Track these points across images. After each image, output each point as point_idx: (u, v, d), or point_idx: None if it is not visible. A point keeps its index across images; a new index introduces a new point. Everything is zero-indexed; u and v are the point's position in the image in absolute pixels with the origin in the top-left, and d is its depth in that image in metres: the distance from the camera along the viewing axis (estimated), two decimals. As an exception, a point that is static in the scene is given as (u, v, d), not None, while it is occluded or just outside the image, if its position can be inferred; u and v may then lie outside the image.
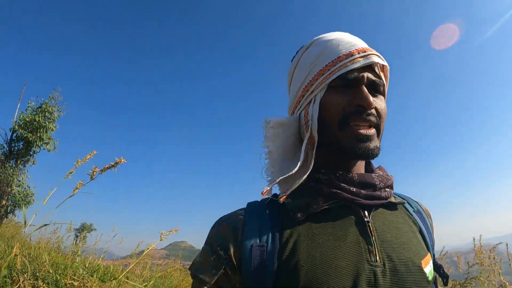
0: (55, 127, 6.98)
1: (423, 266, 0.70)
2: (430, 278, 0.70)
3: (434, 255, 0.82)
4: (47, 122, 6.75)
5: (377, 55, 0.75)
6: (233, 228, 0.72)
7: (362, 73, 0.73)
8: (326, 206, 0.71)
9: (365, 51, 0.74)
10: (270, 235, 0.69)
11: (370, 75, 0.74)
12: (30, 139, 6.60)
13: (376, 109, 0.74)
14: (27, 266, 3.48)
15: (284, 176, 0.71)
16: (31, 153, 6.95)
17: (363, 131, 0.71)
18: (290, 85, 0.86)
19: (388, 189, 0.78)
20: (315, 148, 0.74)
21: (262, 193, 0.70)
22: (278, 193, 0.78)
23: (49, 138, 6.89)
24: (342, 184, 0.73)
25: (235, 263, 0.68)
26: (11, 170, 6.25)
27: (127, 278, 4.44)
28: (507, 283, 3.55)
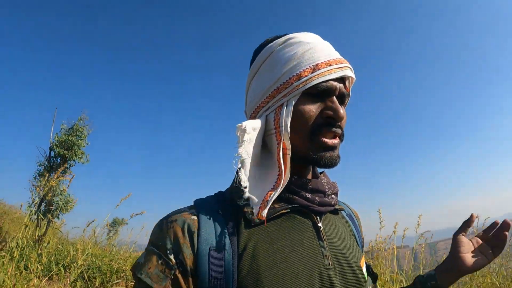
0: (86, 143, 8.25)
1: (361, 267, 0.75)
2: (366, 277, 0.76)
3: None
4: (79, 140, 8.02)
5: (350, 68, 0.76)
6: (187, 231, 0.66)
7: (336, 84, 0.72)
8: (283, 211, 0.71)
9: (341, 63, 0.73)
10: (227, 239, 0.66)
11: (342, 87, 0.74)
12: (66, 155, 7.90)
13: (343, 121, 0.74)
14: (75, 257, 4.59)
15: (271, 193, 0.67)
16: (68, 166, 8.28)
17: (330, 141, 0.71)
18: (254, 78, 0.80)
19: (334, 196, 0.80)
20: (289, 157, 0.70)
21: (258, 216, 0.65)
22: (228, 188, 0.79)
23: (82, 153, 8.16)
24: (298, 190, 0.73)
25: (188, 269, 0.63)
26: (56, 183, 7.62)
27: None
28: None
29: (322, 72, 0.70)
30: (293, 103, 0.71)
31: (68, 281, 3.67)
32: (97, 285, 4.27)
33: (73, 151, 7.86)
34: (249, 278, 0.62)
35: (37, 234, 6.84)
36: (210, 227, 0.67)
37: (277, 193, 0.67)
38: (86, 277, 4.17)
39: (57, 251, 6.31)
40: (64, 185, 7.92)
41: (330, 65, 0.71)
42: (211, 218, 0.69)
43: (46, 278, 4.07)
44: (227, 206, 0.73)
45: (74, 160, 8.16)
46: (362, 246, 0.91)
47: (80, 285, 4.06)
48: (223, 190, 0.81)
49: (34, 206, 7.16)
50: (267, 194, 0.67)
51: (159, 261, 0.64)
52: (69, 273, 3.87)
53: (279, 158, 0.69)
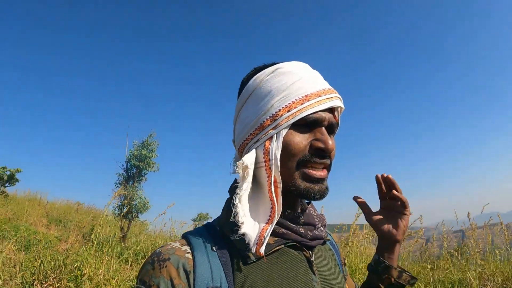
0: (156, 155, 9.83)
1: None
2: None
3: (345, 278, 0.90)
4: (150, 153, 9.65)
5: (339, 98, 0.75)
6: (182, 271, 0.63)
7: (325, 115, 0.72)
8: (278, 247, 0.70)
9: (331, 93, 0.73)
10: (224, 277, 0.64)
11: (331, 117, 0.73)
12: (140, 166, 9.56)
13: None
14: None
15: (267, 228, 0.67)
16: (143, 174, 9.93)
17: (318, 174, 0.71)
18: (242, 109, 0.78)
19: (323, 228, 0.79)
20: (280, 190, 0.70)
21: (256, 253, 0.65)
22: (216, 219, 0.78)
23: (153, 164, 9.75)
24: (292, 225, 0.72)
25: None
26: (131, 189, 9.28)
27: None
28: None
29: (312, 104, 0.70)
30: (283, 135, 0.70)
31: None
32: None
33: (145, 163, 9.46)
34: None
35: (121, 231, 8.52)
36: (206, 266, 0.64)
37: (271, 228, 0.67)
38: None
39: (139, 242, 7.86)
40: (140, 190, 9.57)
41: (320, 96, 0.71)
42: (206, 256, 0.66)
43: (130, 263, 5.41)
44: (219, 241, 0.70)
45: (147, 170, 9.74)
46: (343, 271, 0.92)
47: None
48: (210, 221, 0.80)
49: (118, 209, 8.88)
50: (262, 229, 0.66)
51: None
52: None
53: (271, 191, 0.68)
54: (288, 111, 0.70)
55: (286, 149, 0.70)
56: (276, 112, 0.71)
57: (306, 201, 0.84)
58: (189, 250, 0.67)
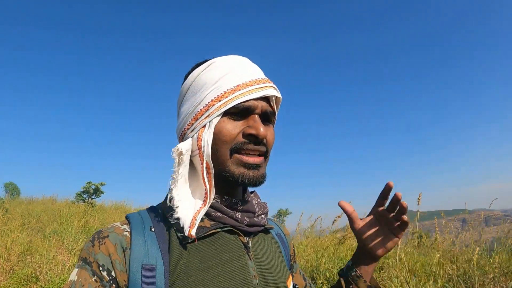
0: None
1: (288, 286, 0.80)
2: None
3: (293, 275, 0.92)
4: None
5: (273, 87, 0.78)
6: (119, 247, 0.67)
7: (257, 103, 0.75)
8: (214, 231, 0.73)
9: (263, 83, 0.76)
10: (159, 255, 0.67)
11: (264, 105, 0.76)
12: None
13: (266, 138, 0.76)
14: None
15: (199, 212, 0.71)
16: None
17: (251, 160, 0.74)
18: (182, 102, 0.83)
19: (264, 216, 0.83)
20: (212, 175, 0.74)
21: (188, 235, 0.68)
22: (160, 203, 0.81)
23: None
24: (228, 210, 0.76)
25: (122, 286, 0.65)
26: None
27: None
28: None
29: (243, 93, 0.73)
30: (215, 124, 0.74)
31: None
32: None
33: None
34: None
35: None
36: (142, 244, 0.68)
37: (203, 212, 0.71)
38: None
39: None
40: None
41: (251, 86, 0.74)
42: (144, 235, 0.70)
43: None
44: (159, 222, 0.74)
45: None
46: (291, 265, 0.94)
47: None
48: (155, 205, 0.83)
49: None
50: (195, 213, 0.71)
51: (93, 278, 0.64)
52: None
53: (203, 177, 0.73)
54: (220, 101, 0.73)
55: (219, 136, 0.74)
56: (209, 102, 0.75)
57: (250, 189, 0.87)
58: (128, 229, 0.71)
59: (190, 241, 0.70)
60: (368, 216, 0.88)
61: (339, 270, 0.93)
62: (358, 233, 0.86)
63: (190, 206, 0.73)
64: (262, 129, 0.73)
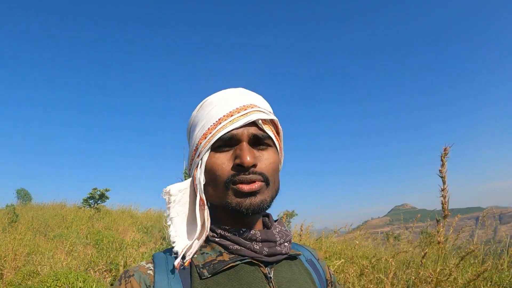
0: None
1: None
2: None
3: None
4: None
5: (260, 111, 0.77)
6: (143, 285, 0.70)
7: (242, 130, 0.74)
8: (233, 264, 0.73)
9: (245, 109, 0.75)
10: None
11: (252, 131, 0.75)
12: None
13: (260, 163, 0.75)
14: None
15: (188, 246, 0.73)
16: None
17: (247, 187, 0.72)
18: (188, 144, 0.87)
19: (287, 244, 0.80)
20: (206, 209, 0.76)
21: (175, 266, 0.71)
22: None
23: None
24: (246, 242, 0.75)
25: None
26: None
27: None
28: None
29: (224, 125, 0.74)
30: (205, 160, 0.75)
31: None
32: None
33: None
34: None
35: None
36: (164, 281, 0.70)
37: (195, 245, 0.74)
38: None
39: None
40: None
41: (232, 115, 0.74)
42: (167, 273, 0.72)
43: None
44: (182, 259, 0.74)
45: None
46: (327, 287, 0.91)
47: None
48: None
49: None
50: (185, 246, 0.73)
51: None
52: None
53: (196, 212, 0.75)
54: (205, 138, 0.76)
55: (211, 171, 0.75)
56: (198, 142, 0.78)
57: (275, 219, 0.88)
58: (152, 268, 0.74)
59: (209, 275, 0.71)
60: None
61: None
62: None
63: (188, 240, 0.76)
64: (248, 157, 0.71)
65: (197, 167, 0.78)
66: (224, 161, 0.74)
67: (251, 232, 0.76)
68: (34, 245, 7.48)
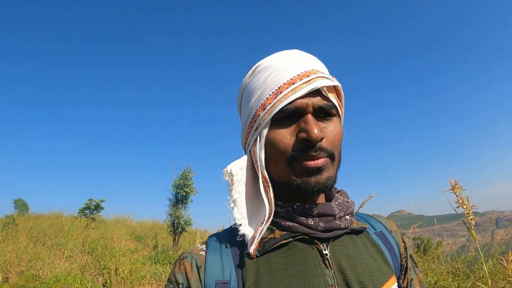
0: (192, 183, 12.32)
1: None
2: None
3: (399, 276, 0.78)
4: (189, 181, 12.29)
5: (323, 77, 0.69)
6: (195, 266, 0.70)
7: (306, 101, 0.67)
8: (284, 241, 0.69)
9: (308, 75, 0.68)
10: (233, 270, 0.68)
11: (316, 101, 0.68)
12: (187, 191, 11.98)
13: (327, 137, 0.69)
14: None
15: (260, 230, 0.68)
16: (187, 198, 12.61)
17: (312, 163, 0.66)
18: (240, 115, 0.81)
19: (348, 217, 0.74)
20: (270, 188, 0.69)
21: (250, 253, 0.67)
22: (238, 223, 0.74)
23: (192, 189, 12.24)
24: (299, 218, 0.70)
25: None
26: (180, 210, 12.04)
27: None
28: None
29: (286, 94, 0.67)
30: (265, 135, 0.69)
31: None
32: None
33: (184, 190, 12.13)
34: None
35: (173, 242, 11.14)
36: (216, 261, 0.70)
37: (265, 227, 0.68)
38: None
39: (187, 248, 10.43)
40: (185, 210, 12.30)
41: (293, 83, 0.67)
42: (218, 252, 0.72)
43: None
44: (236, 240, 0.73)
45: (189, 194, 12.43)
46: (401, 262, 0.79)
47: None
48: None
49: (170, 226, 11.49)
50: (256, 229, 0.68)
51: None
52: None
53: (261, 191, 0.69)
54: (264, 109, 0.69)
55: (272, 147, 0.69)
56: (254, 113, 0.71)
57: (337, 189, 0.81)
58: (204, 248, 0.74)
59: (258, 255, 0.68)
60: None
61: None
62: None
63: (255, 221, 0.71)
64: (316, 131, 0.64)
65: (255, 142, 0.72)
66: (286, 135, 0.68)
67: (306, 206, 0.71)
68: (35, 253, 8.24)
